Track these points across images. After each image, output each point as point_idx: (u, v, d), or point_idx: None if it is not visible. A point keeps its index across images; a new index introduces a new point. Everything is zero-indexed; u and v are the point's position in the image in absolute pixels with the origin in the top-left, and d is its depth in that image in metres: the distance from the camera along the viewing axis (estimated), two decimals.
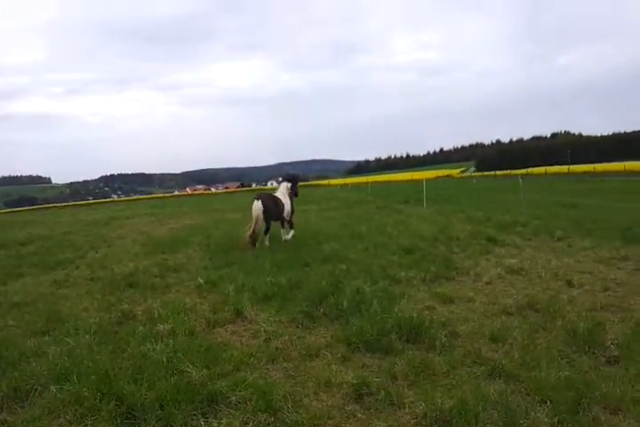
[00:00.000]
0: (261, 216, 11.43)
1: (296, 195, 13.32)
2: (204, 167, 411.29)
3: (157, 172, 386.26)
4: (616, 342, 4.73)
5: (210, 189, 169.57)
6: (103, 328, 6.05)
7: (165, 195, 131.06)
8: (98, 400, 3.91)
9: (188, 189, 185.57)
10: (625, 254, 8.76)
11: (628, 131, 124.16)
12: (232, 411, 3.83)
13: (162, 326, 5.83)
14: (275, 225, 12.46)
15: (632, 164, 59.90)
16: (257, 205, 11.45)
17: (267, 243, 11.94)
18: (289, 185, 12.88)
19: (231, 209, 32.34)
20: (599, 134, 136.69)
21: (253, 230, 11.35)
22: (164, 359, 4.70)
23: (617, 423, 3.40)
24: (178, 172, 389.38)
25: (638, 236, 10.45)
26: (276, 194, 12.58)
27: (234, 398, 4.00)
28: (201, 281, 8.34)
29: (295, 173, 13.79)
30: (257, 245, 11.42)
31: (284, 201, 12.33)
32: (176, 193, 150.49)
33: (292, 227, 12.73)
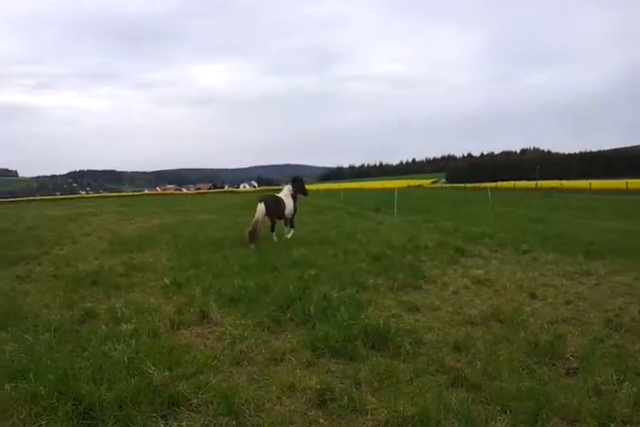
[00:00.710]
0: (264, 217, 12.57)
1: (305, 194, 14.47)
2: (177, 167, 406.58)
3: (128, 170, 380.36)
4: (576, 354, 4.82)
5: (181, 190, 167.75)
6: (64, 326, 5.91)
7: (135, 193, 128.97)
8: (55, 400, 3.81)
9: (158, 189, 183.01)
10: (587, 269, 8.96)
11: (594, 150, 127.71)
12: (193, 414, 3.77)
13: (125, 325, 5.73)
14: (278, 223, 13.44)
15: (597, 182, 61.56)
16: (260, 208, 12.54)
17: (274, 239, 13.12)
18: (291, 186, 13.89)
19: (202, 210, 32.07)
20: (566, 152, 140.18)
21: (255, 228, 12.29)
22: (126, 360, 4.61)
23: None
24: (149, 170, 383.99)
25: (600, 251, 10.73)
26: (279, 194, 13.65)
27: (195, 400, 3.95)
28: (167, 281, 8.23)
29: (298, 176, 14.69)
30: (257, 242, 12.25)
31: (286, 201, 13.35)
32: (146, 192, 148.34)
33: (292, 226, 13.74)
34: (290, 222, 13.72)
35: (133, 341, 5.16)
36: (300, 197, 14.40)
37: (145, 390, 3.99)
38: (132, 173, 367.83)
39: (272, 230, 13.20)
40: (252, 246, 11.96)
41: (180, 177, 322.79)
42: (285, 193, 13.75)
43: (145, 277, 9.06)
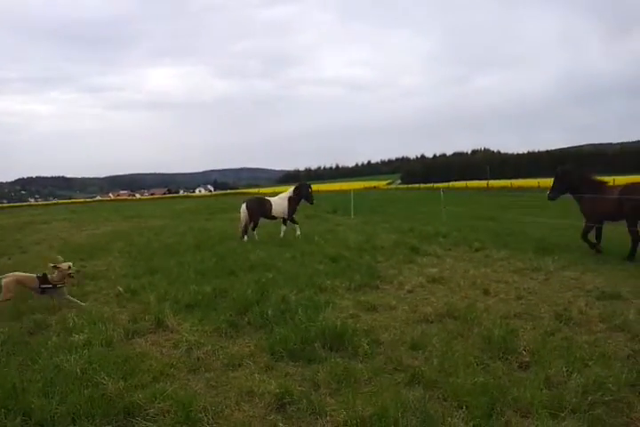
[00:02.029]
0: (245, 216, 14.27)
1: (309, 200, 14.92)
2: (130, 172, 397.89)
3: (79, 176, 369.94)
4: (528, 348, 4.94)
5: (134, 195, 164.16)
6: (13, 338, 5.70)
7: (86, 200, 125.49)
8: (2, 416, 3.67)
9: (110, 195, 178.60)
10: (537, 265, 9.23)
11: (542, 150, 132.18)
12: (149, 424, 3.70)
13: (77, 336, 5.56)
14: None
15: (545, 180, 63.50)
16: (242, 208, 14.40)
17: (255, 237, 14.34)
18: (293, 191, 14.77)
19: (156, 216, 31.41)
20: (515, 152, 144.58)
21: (242, 226, 14.32)
22: (79, 371, 4.48)
23: (527, 426, 3.56)
24: (101, 176, 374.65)
25: (549, 248, 11.08)
26: (278, 196, 14.96)
27: (152, 410, 3.87)
28: (120, 289, 8.04)
29: (304, 183, 15.38)
30: (246, 237, 14.03)
31: (276, 202, 14.57)
32: (98, 198, 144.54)
33: (294, 222, 14.73)
34: (285, 222, 14.70)
35: (86, 351, 5.01)
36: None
37: (99, 401, 3.89)
38: (84, 178, 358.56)
39: (253, 229, 14.53)
40: (245, 239, 13.95)
41: (134, 182, 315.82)
42: (282, 195, 14.90)
43: (98, 286, 8.83)
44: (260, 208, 14.48)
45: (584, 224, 10.63)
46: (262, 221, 14.76)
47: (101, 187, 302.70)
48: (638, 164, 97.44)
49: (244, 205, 14.47)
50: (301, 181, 15.84)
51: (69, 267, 7.31)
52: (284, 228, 14.71)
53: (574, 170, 11.30)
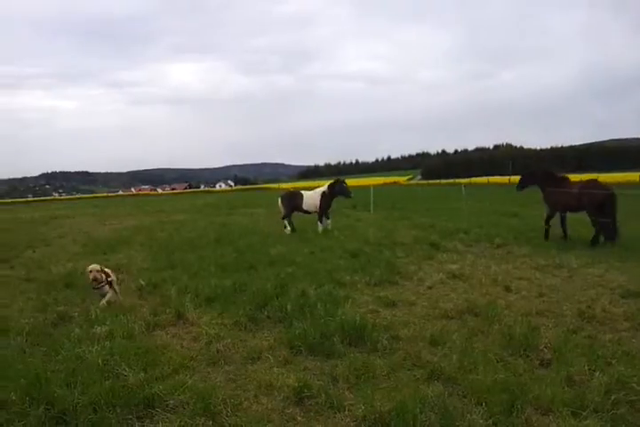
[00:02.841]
0: (280, 206, 15.45)
1: (345, 195, 14.95)
2: (151, 167, 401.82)
3: (101, 171, 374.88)
4: (549, 345, 4.88)
5: (156, 190, 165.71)
6: (37, 330, 5.82)
7: (109, 194, 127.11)
8: (27, 405, 3.75)
9: (133, 190, 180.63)
10: (560, 262, 9.11)
11: (565, 145, 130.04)
12: (169, 415, 3.74)
13: (99, 328, 5.65)
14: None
15: (569, 176, 62.58)
16: (279, 200, 15.63)
17: (288, 227, 15.01)
18: (327, 187, 14.92)
19: (177, 210, 31.74)
20: (538, 147, 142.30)
21: (283, 217, 15.36)
22: (100, 362, 4.55)
23: (547, 424, 3.51)
24: (123, 171, 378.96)
25: (572, 245, 10.91)
26: (313, 191, 15.33)
27: (171, 401, 3.92)
28: (142, 282, 8.14)
29: (339, 179, 15.50)
30: (288, 225, 15.03)
31: (311, 197, 15.01)
32: (120, 193, 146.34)
33: (327, 218, 15.08)
34: (320, 218, 14.95)
35: (108, 343, 5.09)
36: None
37: (120, 392, 3.94)
38: (106, 173, 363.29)
39: (283, 218, 15.35)
40: (287, 229, 14.90)
41: (156, 177, 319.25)
42: (317, 190, 15.22)
43: (120, 279, 8.93)
44: (291, 201, 15.18)
45: (546, 213, 12.64)
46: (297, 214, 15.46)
47: (123, 182, 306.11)
48: None
49: (279, 198, 15.66)
50: (338, 178, 16.03)
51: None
52: (322, 223, 14.90)
53: (541, 169, 13.85)
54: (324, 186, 15.21)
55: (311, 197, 15.03)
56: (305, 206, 15.00)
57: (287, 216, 15.26)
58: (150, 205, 44.89)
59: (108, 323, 5.81)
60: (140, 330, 5.73)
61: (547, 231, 12.39)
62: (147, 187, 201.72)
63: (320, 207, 14.84)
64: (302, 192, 15.53)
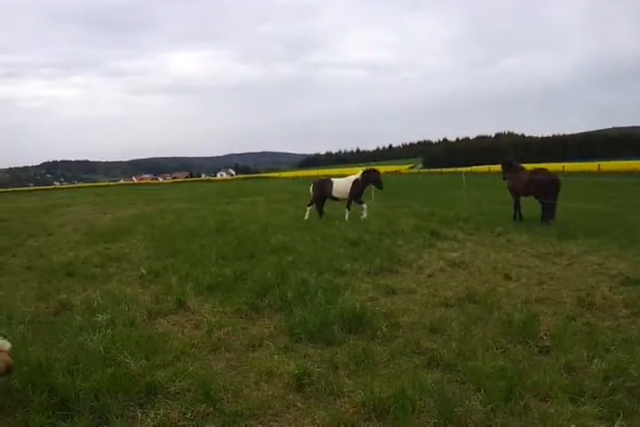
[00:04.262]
0: (311, 195, 15.77)
1: (378, 186, 15.39)
2: (152, 156, 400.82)
3: (102, 159, 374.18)
4: (548, 332, 4.90)
5: (157, 179, 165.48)
6: (39, 318, 5.88)
7: (110, 183, 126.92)
8: (30, 392, 3.78)
9: (134, 178, 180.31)
10: (560, 250, 9.11)
11: (567, 133, 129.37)
12: (170, 401, 3.77)
13: (101, 316, 5.67)
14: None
15: (570, 164, 62.41)
16: (310, 187, 15.98)
17: (306, 216, 15.50)
18: (360, 175, 15.19)
19: (178, 199, 31.75)
20: (540, 136, 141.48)
21: (313, 204, 15.72)
22: (102, 350, 4.59)
23: (545, 410, 3.54)
24: (124, 160, 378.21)
25: (572, 233, 10.92)
26: (345, 178, 15.81)
27: (173, 388, 3.95)
28: (143, 271, 8.17)
29: (372, 168, 15.93)
30: (320, 211, 15.59)
31: (339, 184, 15.38)
32: (122, 182, 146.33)
33: (361, 203, 15.20)
34: (349, 206, 15.20)
35: (109, 331, 5.12)
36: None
37: (121, 379, 3.98)
38: (107, 162, 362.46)
39: (309, 205, 15.81)
40: (317, 214, 15.48)
41: (157, 166, 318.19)
42: (349, 177, 15.58)
43: (121, 268, 8.99)
44: (321, 189, 15.51)
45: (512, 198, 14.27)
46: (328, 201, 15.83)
47: (125, 171, 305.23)
48: None
49: (311, 186, 15.98)
50: (372, 167, 16.63)
51: None
52: (348, 212, 15.07)
53: (503, 160, 15.52)
54: (356, 173, 15.49)
55: (343, 184, 15.33)
56: (335, 193, 15.33)
57: (315, 203, 15.63)
58: (151, 193, 44.91)
59: (109, 311, 5.84)
60: (142, 318, 5.77)
61: (515, 215, 13.93)
62: (148, 176, 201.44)
63: (350, 194, 15.07)
64: (332, 180, 15.94)
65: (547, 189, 13.02)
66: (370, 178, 15.14)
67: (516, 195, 14.06)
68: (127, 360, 4.33)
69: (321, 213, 15.62)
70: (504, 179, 14.98)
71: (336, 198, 15.51)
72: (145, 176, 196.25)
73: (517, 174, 14.12)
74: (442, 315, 5.59)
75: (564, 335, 4.79)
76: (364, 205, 15.09)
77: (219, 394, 3.83)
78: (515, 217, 14.01)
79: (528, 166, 15.15)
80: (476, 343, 4.67)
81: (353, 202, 15.23)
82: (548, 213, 13.03)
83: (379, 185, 15.31)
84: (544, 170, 14.38)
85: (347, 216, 14.90)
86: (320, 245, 10.28)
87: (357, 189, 15.10)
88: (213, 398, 3.75)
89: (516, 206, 14.03)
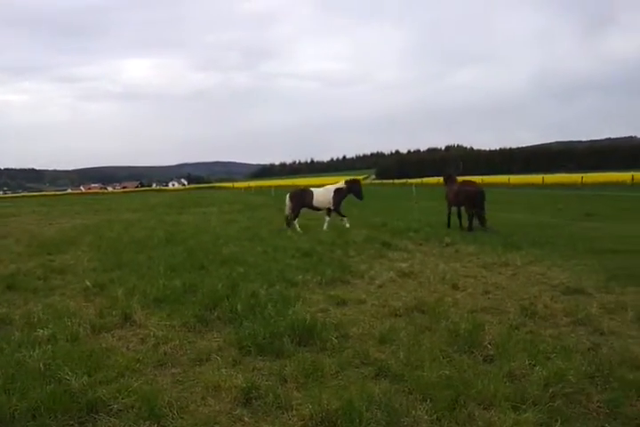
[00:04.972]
0: (289, 206, 15.42)
1: (359, 197, 15.73)
2: (102, 165, 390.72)
3: (49, 168, 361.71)
4: (493, 341, 5.00)
5: (106, 188, 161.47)
6: None
7: (57, 193, 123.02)
8: None
9: (82, 188, 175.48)
10: (505, 260, 9.38)
11: (514, 147, 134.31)
12: (113, 419, 3.65)
13: (41, 331, 5.45)
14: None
15: (516, 177, 64.57)
16: (287, 198, 15.68)
17: (297, 229, 14.99)
18: (343, 184, 15.57)
19: (127, 209, 31.06)
20: (488, 149, 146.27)
21: (287, 215, 15.45)
22: (42, 366, 4.39)
23: (489, 418, 3.60)
24: (72, 169, 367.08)
25: (517, 243, 11.27)
26: (324, 188, 15.94)
27: (116, 405, 3.82)
28: (88, 284, 7.91)
29: (355, 179, 16.39)
30: (290, 224, 15.11)
31: (319, 193, 15.40)
32: (69, 191, 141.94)
33: (340, 214, 15.42)
34: (329, 214, 15.44)
35: (50, 346, 4.93)
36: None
37: (61, 397, 3.82)
38: (54, 171, 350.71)
39: (293, 219, 15.35)
40: (289, 228, 14.89)
41: (106, 175, 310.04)
42: (328, 187, 15.83)
43: (65, 280, 8.69)
44: (301, 199, 15.46)
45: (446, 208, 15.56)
46: (306, 211, 15.78)
47: (72, 180, 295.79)
48: (606, 161, 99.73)
49: (287, 196, 15.75)
50: (354, 177, 17.03)
51: None
52: (327, 219, 15.34)
53: (443, 173, 17.66)
54: (337, 183, 15.82)
55: (323, 193, 15.45)
56: (316, 203, 15.40)
57: (295, 214, 15.41)
58: (100, 203, 43.75)
59: (50, 326, 5.62)
60: (85, 333, 5.57)
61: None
62: (96, 185, 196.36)
63: (334, 204, 15.28)
64: (312, 189, 15.91)
65: (473, 199, 14.24)
66: (352, 188, 15.48)
67: (449, 205, 15.34)
68: (68, 377, 4.16)
69: (290, 223, 15.41)
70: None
71: (317, 208, 15.58)
72: (93, 186, 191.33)
73: (451, 186, 15.41)
74: (391, 325, 5.63)
75: (507, 344, 4.90)
76: (346, 219, 15.37)
77: (163, 410, 3.73)
78: (449, 225, 15.24)
79: (473, 178, 16.29)
80: (423, 353, 4.72)
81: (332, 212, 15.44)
82: (480, 222, 14.22)
83: (359, 195, 15.63)
84: (472, 182, 15.96)
85: (325, 225, 15.06)
86: (272, 257, 10.23)
87: (339, 198, 15.37)
88: (158, 415, 3.66)
89: (449, 215, 15.35)
